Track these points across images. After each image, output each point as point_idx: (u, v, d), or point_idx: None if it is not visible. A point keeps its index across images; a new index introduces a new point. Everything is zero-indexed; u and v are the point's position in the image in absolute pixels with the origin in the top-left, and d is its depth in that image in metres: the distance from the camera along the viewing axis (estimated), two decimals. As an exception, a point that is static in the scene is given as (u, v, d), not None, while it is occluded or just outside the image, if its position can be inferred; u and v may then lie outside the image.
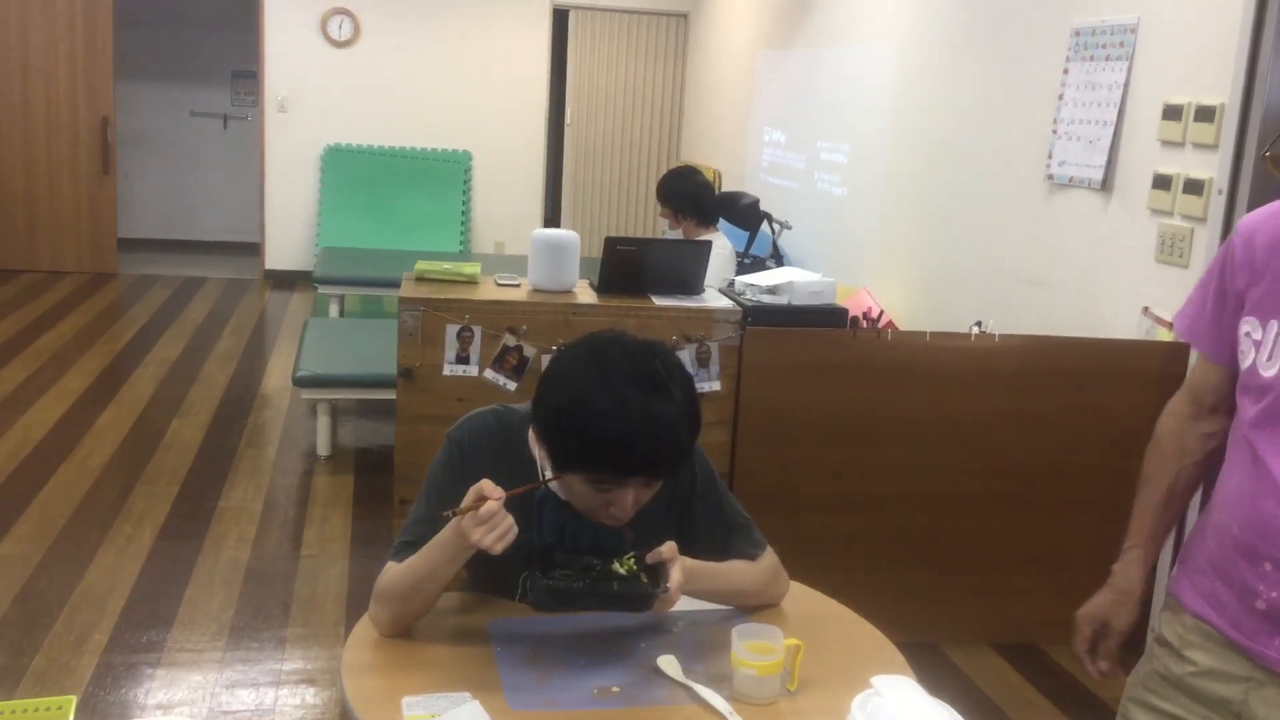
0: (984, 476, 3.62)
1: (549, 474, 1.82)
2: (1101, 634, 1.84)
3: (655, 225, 9.56)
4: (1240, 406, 1.70)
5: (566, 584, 1.75)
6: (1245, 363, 1.67)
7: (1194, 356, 1.84)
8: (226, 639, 3.54)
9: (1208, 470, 1.83)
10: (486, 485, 1.72)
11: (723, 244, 4.90)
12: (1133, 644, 1.88)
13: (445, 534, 1.77)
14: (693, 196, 4.96)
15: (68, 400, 5.80)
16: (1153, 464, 1.86)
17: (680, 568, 1.79)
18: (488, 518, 1.70)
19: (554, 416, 1.76)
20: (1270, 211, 1.67)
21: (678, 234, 5.02)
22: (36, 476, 4.76)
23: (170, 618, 3.64)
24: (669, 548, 1.80)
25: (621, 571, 1.79)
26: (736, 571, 1.98)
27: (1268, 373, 1.62)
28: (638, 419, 1.69)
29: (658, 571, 1.79)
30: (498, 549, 1.71)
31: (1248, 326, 1.67)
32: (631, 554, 1.80)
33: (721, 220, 6.38)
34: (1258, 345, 1.65)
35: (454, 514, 1.72)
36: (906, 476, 3.60)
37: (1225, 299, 1.72)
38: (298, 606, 3.78)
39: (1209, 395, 1.80)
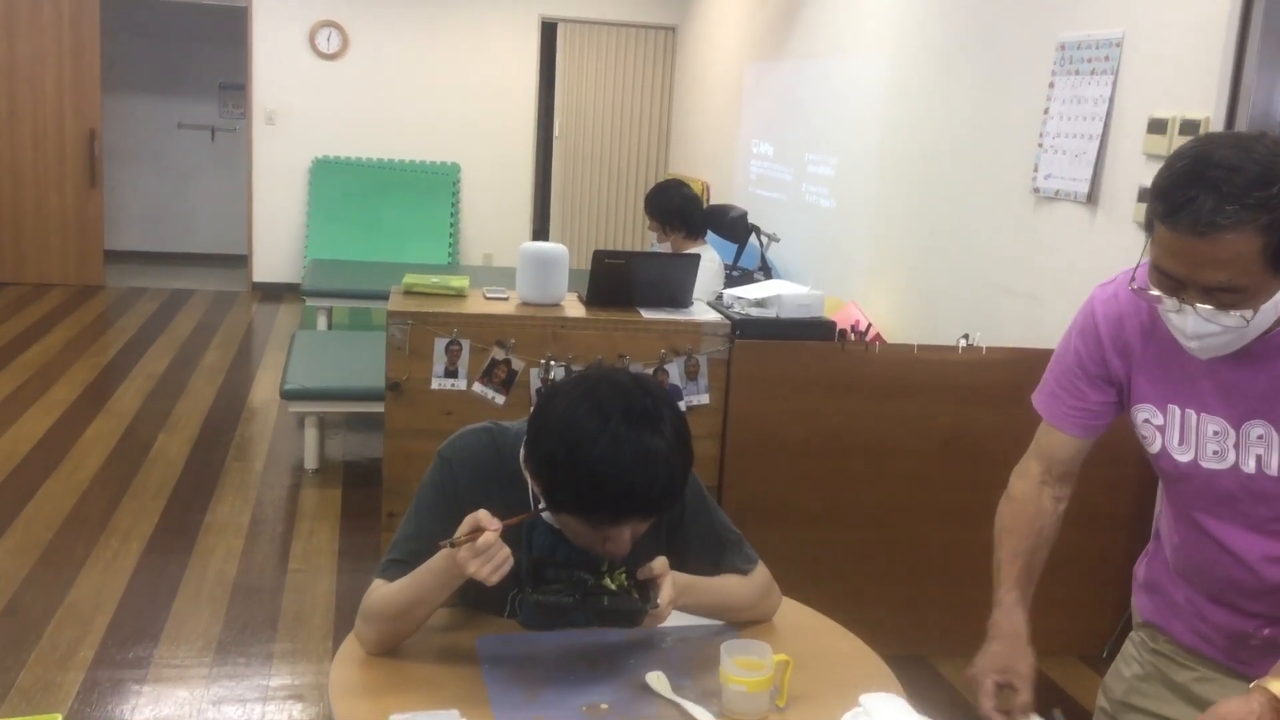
0: (971, 488, 3.62)
1: (543, 502, 1.82)
2: (1006, 685, 1.74)
3: (644, 238, 9.57)
4: (1166, 484, 1.74)
5: (556, 599, 1.75)
6: (1152, 448, 1.71)
7: (1043, 427, 1.86)
8: (214, 654, 3.52)
9: (1063, 523, 1.85)
10: (483, 516, 1.71)
11: (711, 257, 4.90)
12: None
13: (438, 562, 1.75)
14: (680, 210, 4.96)
15: (54, 413, 5.78)
16: (1011, 518, 1.88)
17: (671, 583, 1.79)
18: (484, 549, 1.69)
19: (549, 462, 1.74)
20: (1127, 295, 1.68)
21: (665, 247, 5.02)
22: (23, 490, 4.73)
23: (157, 633, 3.62)
24: (660, 563, 1.80)
25: (612, 587, 1.78)
26: (728, 586, 1.98)
27: (1183, 458, 1.67)
28: (632, 464, 1.69)
29: (648, 587, 1.79)
30: (493, 580, 1.70)
31: (1145, 414, 1.70)
32: (623, 569, 1.80)
33: (710, 232, 6.40)
34: (1161, 430, 1.69)
35: (450, 545, 1.71)
36: (895, 489, 3.61)
37: (1091, 379, 1.76)
38: (285, 621, 3.77)
39: (1059, 465, 1.83)
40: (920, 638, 3.65)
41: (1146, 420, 1.70)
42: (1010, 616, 1.78)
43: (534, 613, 1.76)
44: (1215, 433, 1.63)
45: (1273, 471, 1.59)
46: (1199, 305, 1.47)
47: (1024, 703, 1.71)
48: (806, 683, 1.79)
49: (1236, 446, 1.61)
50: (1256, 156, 1.41)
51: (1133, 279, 1.60)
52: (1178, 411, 1.66)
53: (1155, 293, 1.51)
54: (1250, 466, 1.60)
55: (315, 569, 4.19)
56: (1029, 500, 1.85)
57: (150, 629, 3.64)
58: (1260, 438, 1.59)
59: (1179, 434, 1.67)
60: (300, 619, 3.79)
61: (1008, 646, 1.75)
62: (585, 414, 1.72)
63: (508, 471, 1.90)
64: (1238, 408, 1.60)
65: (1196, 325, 1.49)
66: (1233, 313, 1.46)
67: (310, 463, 5.23)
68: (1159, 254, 1.49)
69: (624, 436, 1.69)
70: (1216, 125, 3.31)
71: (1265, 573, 1.64)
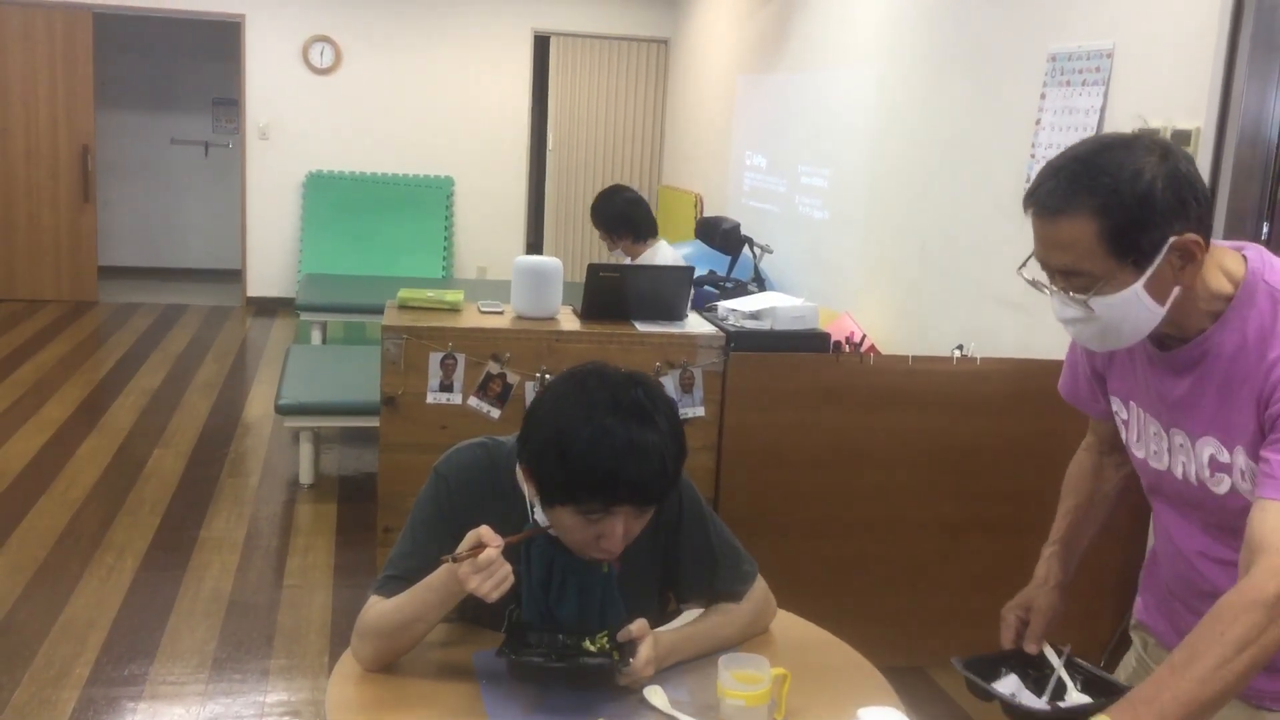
0: (967, 499, 3.63)
1: (539, 512, 1.82)
2: (1026, 619, 1.87)
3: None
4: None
5: (532, 659, 1.75)
6: (1124, 438, 1.77)
7: None
8: (209, 671, 3.51)
9: (1124, 491, 1.94)
10: (485, 532, 1.72)
11: (670, 254, 4.89)
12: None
13: (438, 577, 1.75)
14: (623, 213, 4.88)
15: (48, 430, 5.77)
16: (1072, 481, 1.99)
17: (651, 643, 1.79)
18: (485, 565, 1.69)
19: (539, 451, 1.76)
20: None
21: (618, 254, 4.96)
22: (16, 507, 4.72)
23: (152, 650, 3.61)
24: (639, 626, 1.80)
25: (592, 649, 1.79)
26: (718, 632, 1.96)
27: (1139, 454, 1.73)
28: (621, 446, 1.70)
29: (627, 649, 1.78)
30: (494, 597, 1.70)
31: (1115, 405, 1.77)
32: (604, 633, 1.81)
33: (703, 244, 6.41)
34: (1125, 425, 1.75)
35: (451, 559, 1.71)
36: (890, 500, 3.61)
37: (1093, 373, 1.82)
38: (281, 637, 3.76)
39: (1107, 441, 1.92)
40: (917, 649, 3.64)
41: (1117, 413, 1.77)
42: (1046, 565, 1.91)
43: (510, 671, 1.75)
44: (1154, 433, 1.68)
45: (1193, 480, 1.63)
46: (1055, 289, 1.55)
47: (1034, 631, 1.83)
48: (804, 696, 1.79)
49: (1169, 451, 1.66)
50: (1109, 151, 1.50)
51: (1023, 265, 1.63)
52: (1135, 408, 1.72)
53: (1034, 279, 1.59)
54: (1178, 472, 1.65)
55: (311, 584, 4.18)
56: (1087, 466, 1.96)
57: (145, 646, 3.63)
58: (1181, 446, 1.63)
59: (1137, 430, 1.72)
60: (296, 635, 3.78)
61: (1033, 588, 1.89)
62: (573, 403, 1.74)
63: (504, 486, 1.90)
64: (1163, 414, 1.65)
65: (1059, 310, 1.58)
66: (1074, 297, 1.53)
67: (305, 478, 5.22)
68: (1034, 242, 1.58)
69: (612, 425, 1.70)
70: (1207, 135, 3.32)
71: (1203, 569, 1.67)
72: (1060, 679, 1.72)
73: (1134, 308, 1.51)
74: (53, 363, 7.18)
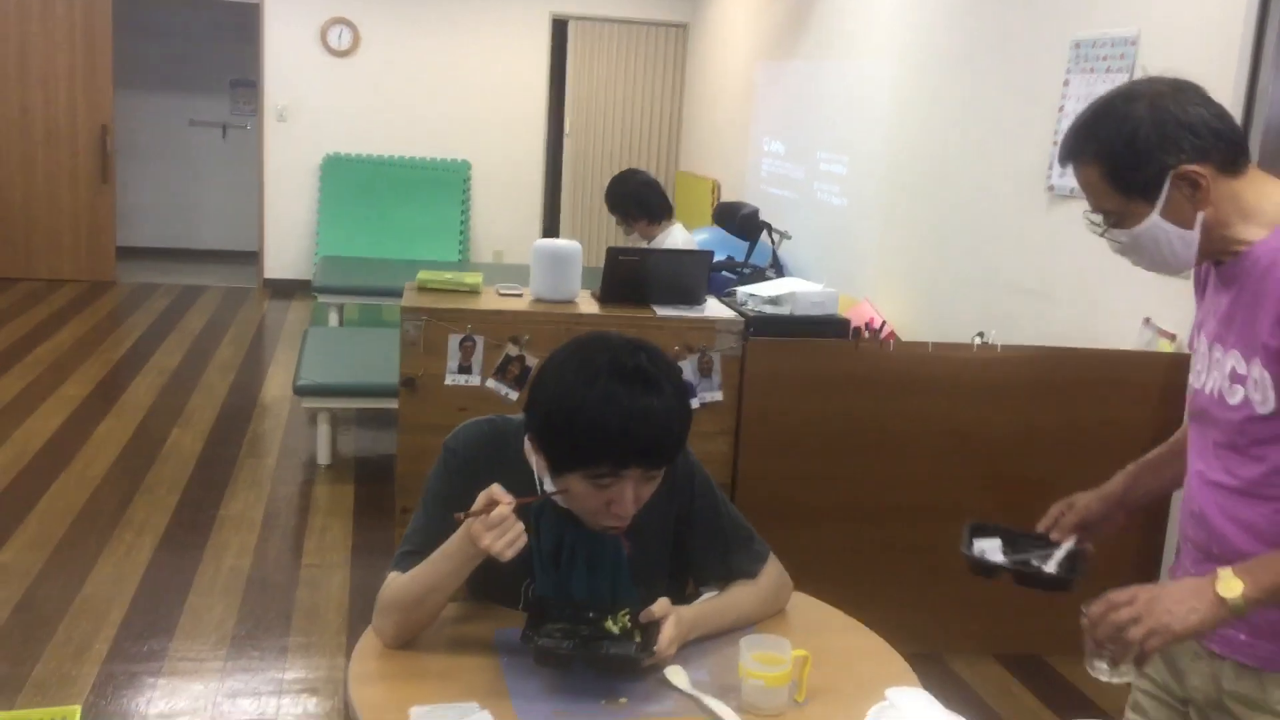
0: (986, 486, 3.63)
1: (548, 483, 1.83)
2: (1064, 511, 1.96)
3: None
4: None
5: (556, 647, 1.75)
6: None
7: None
8: (228, 648, 3.53)
9: None
10: (497, 490, 1.73)
11: (685, 237, 4.89)
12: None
13: (453, 541, 1.77)
14: (636, 196, 4.89)
15: (67, 409, 5.80)
16: (1184, 426, 1.97)
17: (674, 623, 1.79)
18: (498, 522, 1.70)
19: (545, 418, 1.77)
20: None
21: (634, 237, 4.96)
22: (36, 486, 4.75)
23: (171, 627, 3.64)
24: (661, 605, 1.80)
25: (615, 630, 1.79)
26: (736, 605, 1.97)
27: (1195, 382, 1.76)
28: (625, 408, 1.71)
29: (650, 630, 1.78)
30: (508, 555, 1.71)
31: (1193, 335, 1.81)
32: (626, 611, 1.81)
33: (722, 230, 6.40)
34: (1196, 355, 1.78)
35: (464, 517, 1.73)
36: (909, 487, 3.61)
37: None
38: (299, 616, 3.78)
39: None
40: (934, 635, 3.65)
41: (1194, 345, 1.80)
42: (1113, 478, 1.99)
43: (534, 657, 1.76)
44: (1203, 352, 1.73)
45: (1215, 393, 1.67)
46: (1099, 225, 1.69)
47: (1065, 522, 1.95)
48: (825, 678, 1.79)
49: (1208, 367, 1.70)
50: (1109, 103, 1.66)
51: (1088, 209, 1.73)
52: (1201, 335, 1.76)
53: (1088, 218, 1.72)
54: (1210, 387, 1.69)
55: (329, 564, 4.20)
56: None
57: (165, 623, 3.66)
58: (1218, 360, 1.67)
59: (1204, 359, 1.75)
60: (314, 613, 3.80)
61: (1088, 491, 1.97)
62: (577, 369, 1.76)
63: (512, 460, 1.90)
64: (1214, 331, 1.70)
65: (1110, 243, 1.71)
66: (1105, 229, 1.68)
67: (323, 458, 5.24)
68: None
69: (615, 388, 1.72)
70: (1233, 123, 3.30)
71: (1195, 488, 1.72)
72: (1051, 554, 1.86)
73: (1163, 235, 1.63)
74: (71, 342, 7.22)
